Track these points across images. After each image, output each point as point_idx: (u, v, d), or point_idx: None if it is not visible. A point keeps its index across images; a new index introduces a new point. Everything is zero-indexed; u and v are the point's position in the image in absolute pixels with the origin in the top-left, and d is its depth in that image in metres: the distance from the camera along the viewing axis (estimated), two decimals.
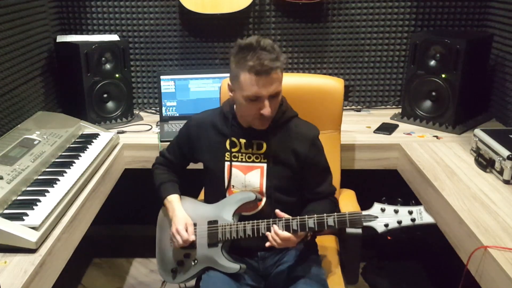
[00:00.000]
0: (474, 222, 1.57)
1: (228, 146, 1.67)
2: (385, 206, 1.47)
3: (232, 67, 1.55)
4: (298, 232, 1.52)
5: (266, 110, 1.53)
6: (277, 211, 1.55)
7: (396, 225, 1.44)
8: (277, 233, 1.52)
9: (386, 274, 2.65)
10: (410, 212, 1.44)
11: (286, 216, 1.54)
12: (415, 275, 2.69)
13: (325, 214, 1.51)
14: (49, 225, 1.56)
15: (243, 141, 1.66)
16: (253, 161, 1.67)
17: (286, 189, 1.68)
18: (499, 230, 1.52)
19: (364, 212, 1.48)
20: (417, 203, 1.47)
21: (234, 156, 1.67)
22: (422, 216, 1.44)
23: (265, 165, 1.66)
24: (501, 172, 1.85)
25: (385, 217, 1.45)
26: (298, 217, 1.53)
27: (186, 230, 1.65)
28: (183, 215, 1.68)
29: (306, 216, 1.52)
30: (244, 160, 1.67)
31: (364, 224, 1.47)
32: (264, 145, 1.65)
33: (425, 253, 2.76)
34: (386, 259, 2.74)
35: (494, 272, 1.38)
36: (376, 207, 1.47)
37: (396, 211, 1.45)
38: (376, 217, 1.46)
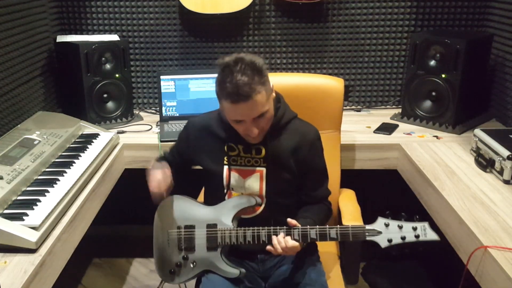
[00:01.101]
0: (474, 222, 1.57)
1: (226, 150, 1.66)
2: (389, 221, 1.45)
3: (215, 87, 1.50)
4: (299, 241, 1.52)
5: (252, 133, 1.51)
6: (289, 219, 1.53)
7: (399, 241, 1.44)
8: (286, 241, 1.50)
9: (386, 274, 2.65)
10: (414, 228, 1.43)
11: (298, 224, 1.53)
12: (415, 275, 2.69)
13: (327, 226, 1.50)
14: (49, 225, 1.56)
15: (241, 146, 1.65)
16: (252, 165, 1.65)
17: (286, 192, 1.67)
18: (499, 230, 1.52)
19: (368, 227, 1.47)
20: (421, 218, 1.46)
21: (233, 160, 1.66)
22: (426, 232, 1.43)
23: (264, 169, 1.64)
24: (501, 172, 1.85)
25: (388, 232, 1.44)
26: (300, 227, 1.52)
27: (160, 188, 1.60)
28: (155, 172, 1.62)
29: (309, 226, 1.51)
30: (243, 164, 1.66)
31: (367, 238, 1.46)
32: (263, 150, 1.64)
33: (425, 253, 2.76)
34: (386, 259, 2.74)
35: (494, 272, 1.38)
36: (380, 222, 1.46)
37: (400, 227, 1.44)
38: (380, 232, 1.45)
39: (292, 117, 1.68)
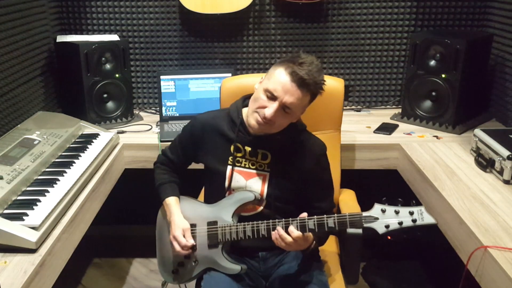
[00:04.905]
0: (474, 222, 1.58)
1: (232, 150, 1.66)
2: (386, 207, 1.45)
3: (278, 62, 1.54)
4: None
5: (268, 110, 1.50)
6: (303, 214, 1.53)
7: (397, 226, 1.43)
8: (291, 232, 1.49)
9: (386, 274, 2.65)
10: (411, 213, 1.43)
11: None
12: (415, 275, 2.69)
13: (325, 216, 1.50)
14: (49, 225, 1.56)
15: (248, 148, 1.64)
16: (256, 169, 1.65)
17: (286, 199, 1.66)
18: (499, 230, 1.52)
19: (365, 213, 1.47)
20: (418, 203, 1.46)
21: (238, 161, 1.66)
22: (423, 216, 1.42)
23: (267, 174, 1.64)
24: (501, 172, 1.85)
25: (385, 218, 1.44)
26: (298, 218, 1.52)
27: (184, 236, 1.63)
28: (180, 219, 1.66)
29: (306, 218, 1.51)
30: (247, 166, 1.65)
31: (365, 225, 1.46)
32: (269, 156, 1.63)
33: (425, 253, 2.76)
34: (386, 259, 2.74)
35: (494, 272, 1.39)
36: (377, 208, 1.46)
37: (396, 212, 1.44)
38: (377, 218, 1.45)
39: (302, 129, 1.68)
